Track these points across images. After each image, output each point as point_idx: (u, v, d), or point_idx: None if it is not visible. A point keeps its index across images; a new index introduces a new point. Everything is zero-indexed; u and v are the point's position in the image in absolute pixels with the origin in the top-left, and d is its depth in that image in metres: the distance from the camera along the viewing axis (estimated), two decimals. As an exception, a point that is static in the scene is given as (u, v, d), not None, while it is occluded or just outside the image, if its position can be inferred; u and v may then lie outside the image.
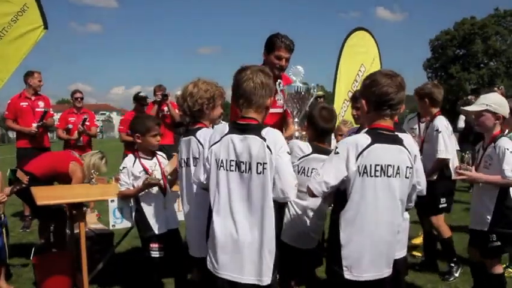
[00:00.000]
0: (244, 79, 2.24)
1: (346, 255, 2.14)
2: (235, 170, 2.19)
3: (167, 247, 3.28)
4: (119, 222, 3.54)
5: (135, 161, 3.33)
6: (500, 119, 3.13)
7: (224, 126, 2.30)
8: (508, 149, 3.00)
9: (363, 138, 2.14)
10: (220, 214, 2.22)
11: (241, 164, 2.17)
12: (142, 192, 3.26)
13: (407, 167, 2.17)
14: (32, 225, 6.14)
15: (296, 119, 3.06)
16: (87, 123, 6.81)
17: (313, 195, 2.19)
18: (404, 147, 2.19)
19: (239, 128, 2.24)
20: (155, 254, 3.25)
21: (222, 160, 2.22)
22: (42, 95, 6.44)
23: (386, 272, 2.21)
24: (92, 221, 4.79)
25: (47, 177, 4.46)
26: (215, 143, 2.26)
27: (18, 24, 5.25)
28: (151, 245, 3.25)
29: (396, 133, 2.22)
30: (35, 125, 6.08)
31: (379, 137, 2.14)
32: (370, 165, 2.10)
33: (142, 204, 3.28)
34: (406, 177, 2.18)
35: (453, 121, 6.52)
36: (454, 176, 3.51)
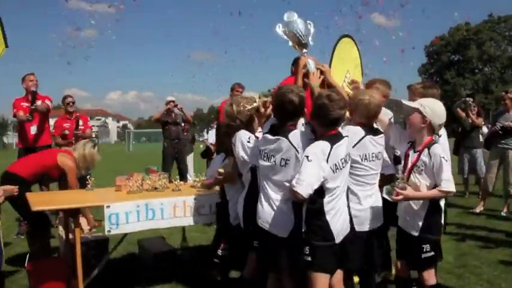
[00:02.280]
0: (287, 101, 2.81)
1: (333, 227, 2.74)
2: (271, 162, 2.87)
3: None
4: (114, 228, 3.51)
5: None
6: (427, 124, 2.99)
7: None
8: (443, 158, 2.89)
9: (325, 145, 2.70)
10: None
11: (272, 156, 2.86)
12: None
13: (349, 152, 2.89)
14: (26, 232, 6.09)
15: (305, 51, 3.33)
16: (81, 126, 6.77)
17: (302, 198, 2.65)
18: (345, 137, 2.83)
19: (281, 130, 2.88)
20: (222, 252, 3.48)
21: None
22: (43, 95, 6.35)
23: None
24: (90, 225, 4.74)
25: (36, 176, 4.42)
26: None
27: None
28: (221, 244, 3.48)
29: (340, 130, 2.84)
30: (27, 114, 6.03)
31: (334, 140, 2.74)
32: (338, 162, 2.73)
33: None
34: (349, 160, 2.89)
35: (448, 126, 6.56)
36: (384, 194, 3.10)
